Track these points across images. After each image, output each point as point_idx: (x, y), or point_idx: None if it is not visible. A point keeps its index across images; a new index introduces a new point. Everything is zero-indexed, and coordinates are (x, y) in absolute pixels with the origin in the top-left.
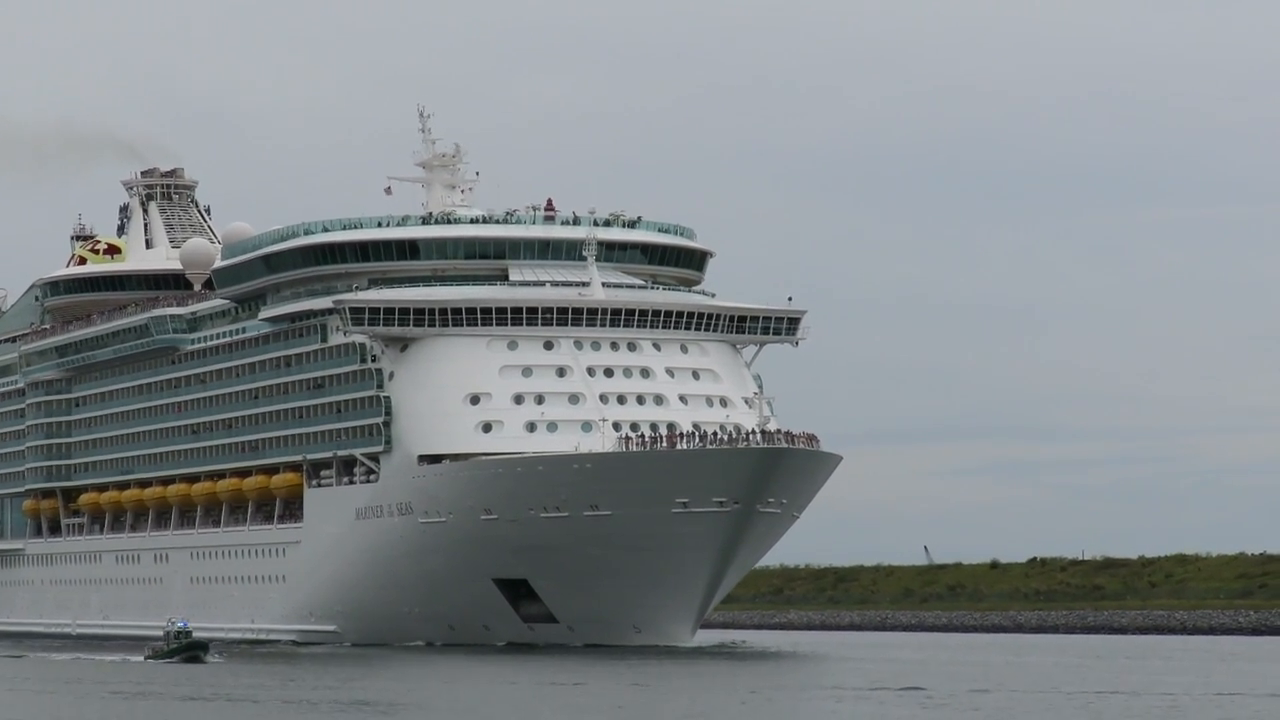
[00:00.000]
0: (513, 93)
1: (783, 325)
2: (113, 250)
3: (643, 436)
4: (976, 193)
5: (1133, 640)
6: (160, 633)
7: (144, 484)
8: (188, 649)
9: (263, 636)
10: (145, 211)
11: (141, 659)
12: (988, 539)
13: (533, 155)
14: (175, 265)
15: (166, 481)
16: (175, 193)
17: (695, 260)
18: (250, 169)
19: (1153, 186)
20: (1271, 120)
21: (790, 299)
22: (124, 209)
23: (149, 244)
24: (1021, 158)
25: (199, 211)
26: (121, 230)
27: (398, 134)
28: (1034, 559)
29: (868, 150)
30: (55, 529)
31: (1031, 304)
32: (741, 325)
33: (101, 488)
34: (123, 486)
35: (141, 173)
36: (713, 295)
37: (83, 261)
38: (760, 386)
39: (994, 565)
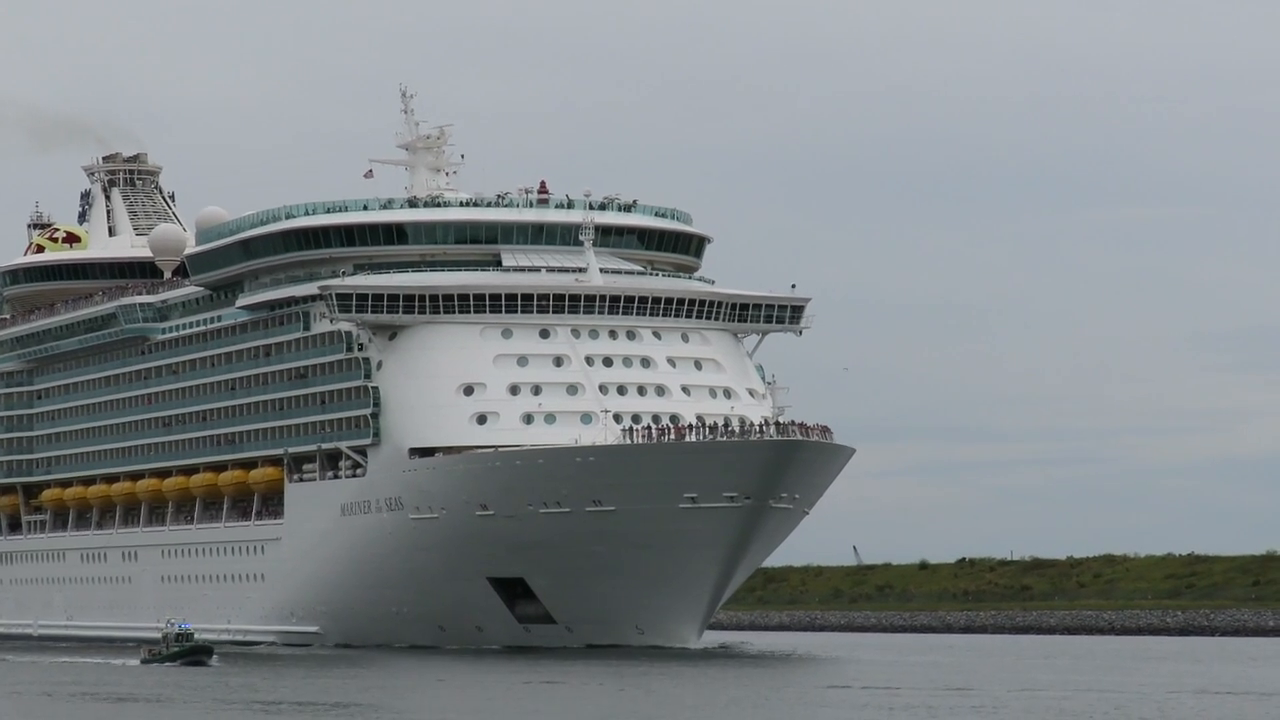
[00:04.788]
0: (464, 91)
1: (786, 313)
2: (72, 239)
3: (648, 428)
4: (911, 193)
5: (1060, 641)
6: (158, 635)
7: (111, 479)
8: (190, 652)
9: (240, 638)
10: (108, 198)
11: (138, 662)
12: (917, 539)
13: (500, 149)
14: (141, 252)
15: (135, 477)
16: (139, 179)
17: (693, 246)
18: (213, 155)
19: (1088, 188)
20: (1210, 123)
21: (794, 286)
22: (85, 195)
23: (112, 231)
24: (957, 158)
25: (163, 198)
26: (83, 217)
27: (366, 121)
28: (963, 559)
29: (804, 149)
30: (15, 526)
31: (963, 304)
32: (744, 313)
33: (65, 483)
34: (88, 482)
35: (103, 158)
36: (712, 282)
37: (40, 250)
38: (763, 376)
39: (923, 566)
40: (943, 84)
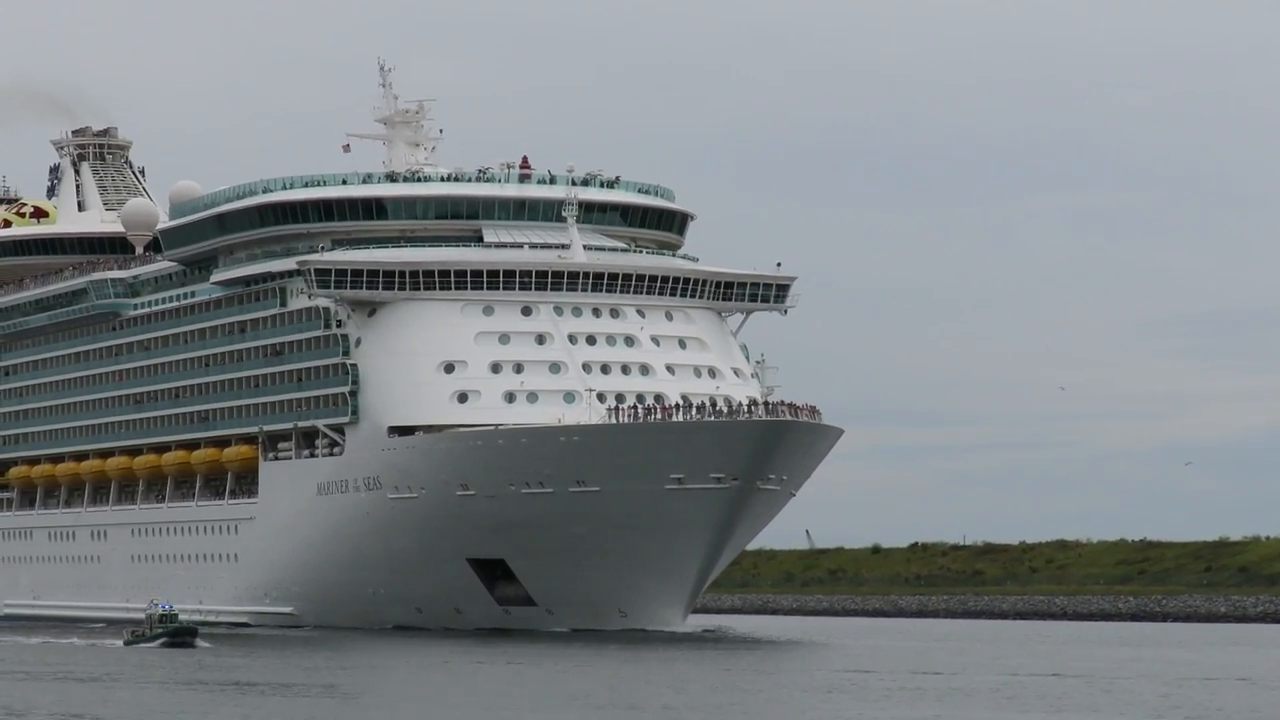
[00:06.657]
0: (441, 71)
1: (771, 292)
2: (40, 214)
3: (634, 408)
4: (867, 175)
5: (1013, 625)
6: (141, 615)
7: (80, 457)
8: (175, 634)
9: (211, 618)
10: (77, 172)
11: (121, 643)
12: (869, 523)
13: (478, 129)
14: (112, 227)
15: (105, 454)
16: (109, 153)
17: (676, 223)
18: (185, 130)
19: (1041, 173)
20: (1166, 107)
21: (780, 264)
22: (54, 169)
23: (81, 206)
24: (914, 140)
25: (134, 173)
26: (51, 192)
27: (341, 98)
28: (915, 544)
29: (761, 131)
30: None
31: (918, 288)
32: (728, 292)
33: (33, 461)
34: (56, 460)
35: (72, 132)
36: (696, 260)
37: (7, 225)
38: (748, 355)
39: (875, 550)
40: (902, 68)
